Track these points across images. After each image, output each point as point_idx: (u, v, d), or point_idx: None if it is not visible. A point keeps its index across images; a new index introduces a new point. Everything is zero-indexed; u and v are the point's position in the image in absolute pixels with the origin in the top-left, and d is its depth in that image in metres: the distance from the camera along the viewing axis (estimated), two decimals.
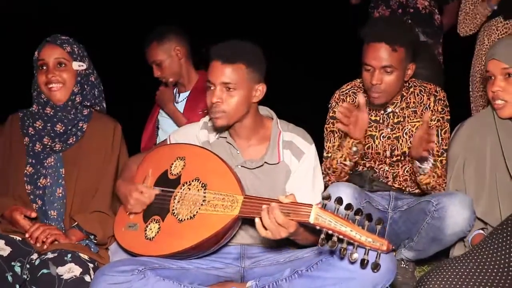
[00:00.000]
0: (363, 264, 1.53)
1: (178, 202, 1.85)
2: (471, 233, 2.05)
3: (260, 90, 1.94)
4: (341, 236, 1.55)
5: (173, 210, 1.85)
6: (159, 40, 2.77)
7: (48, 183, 2.06)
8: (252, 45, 1.95)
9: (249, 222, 1.82)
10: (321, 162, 2.14)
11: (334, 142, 2.31)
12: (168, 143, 2.10)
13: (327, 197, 1.58)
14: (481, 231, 2.04)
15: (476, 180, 2.07)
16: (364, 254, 1.54)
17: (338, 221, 1.54)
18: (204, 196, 1.81)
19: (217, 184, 1.82)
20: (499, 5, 2.84)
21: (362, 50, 2.21)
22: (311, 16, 5.50)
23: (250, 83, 1.90)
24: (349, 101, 2.33)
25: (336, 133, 2.31)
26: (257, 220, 1.64)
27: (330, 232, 1.55)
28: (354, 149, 2.10)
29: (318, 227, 1.57)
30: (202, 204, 1.80)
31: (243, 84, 1.88)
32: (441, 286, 1.55)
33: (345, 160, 2.15)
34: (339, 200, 1.57)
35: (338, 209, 1.57)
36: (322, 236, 1.54)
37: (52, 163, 2.08)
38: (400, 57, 2.14)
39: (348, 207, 1.55)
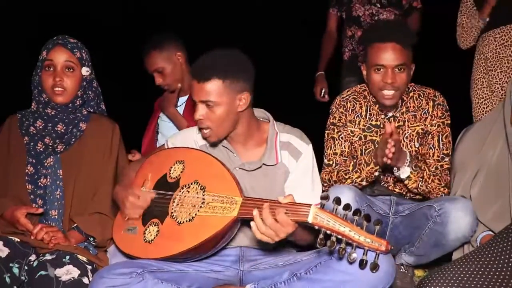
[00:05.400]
0: (362, 264, 1.52)
1: (177, 205, 1.85)
2: (476, 235, 2.03)
3: (244, 99, 1.91)
4: (339, 236, 1.54)
5: (172, 213, 1.84)
6: (159, 48, 2.74)
7: (48, 183, 2.05)
8: (232, 54, 1.92)
9: (247, 224, 1.82)
10: (319, 167, 2.12)
11: (335, 150, 2.30)
12: (166, 147, 2.10)
13: (325, 197, 1.57)
14: (490, 232, 2.02)
15: (486, 188, 2.05)
16: (363, 254, 1.53)
17: (336, 221, 1.53)
18: (203, 198, 1.81)
19: (216, 186, 1.81)
20: (495, 16, 2.86)
21: (366, 53, 2.20)
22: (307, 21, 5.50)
23: (230, 95, 1.88)
24: (349, 107, 2.33)
25: (337, 140, 2.30)
26: (253, 223, 1.63)
27: (328, 232, 1.54)
28: (376, 174, 2.14)
29: (316, 227, 1.56)
30: (201, 206, 1.80)
31: (222, 98, 1.87)
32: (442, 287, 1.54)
33: (362, 181, 2.17)
34: (338, 200, 1.56)
35: (336, 209, 1.56)
36: (321, 236, 1.53)
37: (51, 163, 2.07)
38: (409, 55, 2.16)
39: (347, 207, 1.54)
